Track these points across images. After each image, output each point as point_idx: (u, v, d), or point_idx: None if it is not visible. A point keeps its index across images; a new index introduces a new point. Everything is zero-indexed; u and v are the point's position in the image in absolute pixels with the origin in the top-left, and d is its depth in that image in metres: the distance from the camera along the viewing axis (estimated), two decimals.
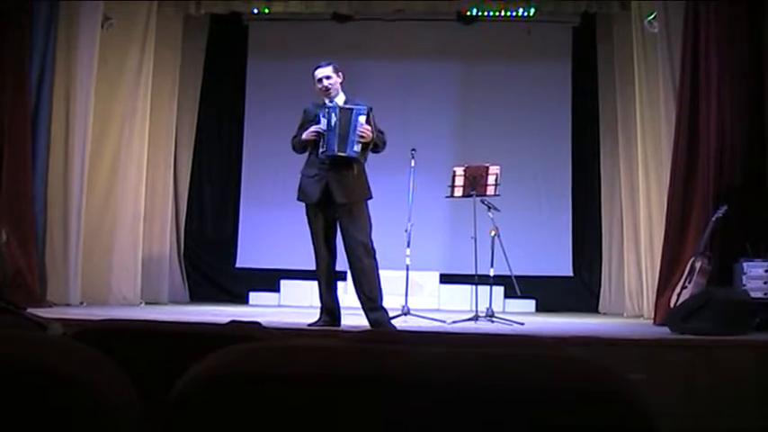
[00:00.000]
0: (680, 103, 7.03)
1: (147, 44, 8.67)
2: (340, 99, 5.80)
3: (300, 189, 5.78)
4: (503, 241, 7.15)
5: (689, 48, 6.97)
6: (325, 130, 5.62)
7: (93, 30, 7.92)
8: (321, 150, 5.63)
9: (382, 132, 5.80)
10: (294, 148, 5.87)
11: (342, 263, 5.89)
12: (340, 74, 5.84)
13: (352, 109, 5.66)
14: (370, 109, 5.68)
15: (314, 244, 5.76)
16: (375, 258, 5.70)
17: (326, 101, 5.78)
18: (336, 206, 5.66)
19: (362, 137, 5.59)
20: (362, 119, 5.61)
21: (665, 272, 6.92)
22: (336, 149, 5.59)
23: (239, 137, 10.52)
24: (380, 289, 5.71)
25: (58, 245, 7.68)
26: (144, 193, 8.81)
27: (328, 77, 5.78)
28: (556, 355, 0.94)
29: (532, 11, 9.18)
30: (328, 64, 5.84)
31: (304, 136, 5.71)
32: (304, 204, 5.78)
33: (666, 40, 7.48)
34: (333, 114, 5.62)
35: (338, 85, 5.82)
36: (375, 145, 5.74)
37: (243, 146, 10.49)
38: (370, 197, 5.78)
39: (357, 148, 5.60)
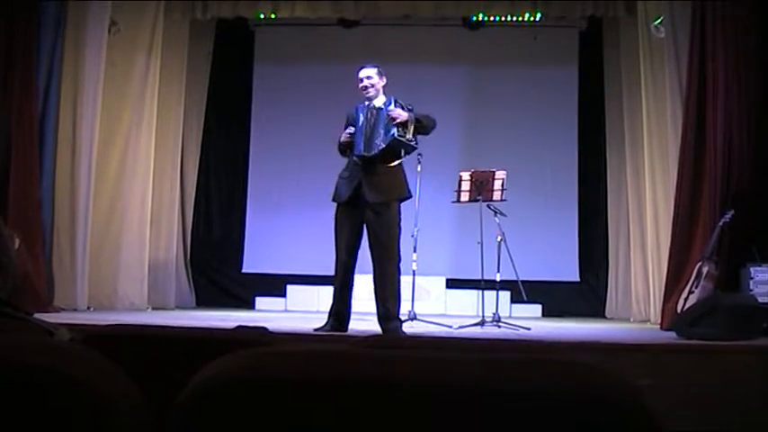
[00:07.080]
0: (687, 107, 7.01)
1: (154, 49, 8.68)
2: (379, 101, 5.81)
3: (335, 189, 5.81)
4: (509, 246, 7.14)
5: (696, 52, 6.95)
6: (354, 132, 5.69)
7: (100, 34, 7.96)
8: (354, 152, 5.70)
9: (428, 117, 5.79)
10: (340, 152, 5.92)
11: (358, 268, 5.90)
12: (383, 77, 5.88)
13: (380, 108, 5.69)
14: (396, 100, 5.70)
15: (336, 246, 5.75)
16: (398, 265, 5.68)
17: (366, 102, 5.81)
18: (366, 207, 5.65)
19: (393, 118, 5.58)
20: (391, 107, 5.63)
21: (672, 277, 6.90)
22: (362, 149, 5.64)
23: (246, 141, 10.50)
24: (399, 298, 5.69)
25: (65, 249, 7.71)
26: (151, 198, 8.80)
27: (369, 77, 5.83)
28: (561, 361, 0.94)
29: (539, 15, 9.16)
30: (373, 66, 5.90)
31: (341, 138, 5.78)
32: (335, 206, 5.81)
33: (673, 45, 7.46)
34: (361, 115, 5.71)
35: (379, 87, 5.85)
36: (419, 123, 5.71)
37: (249, 150, 10.47)
38: (408, 196, 5.82)
39: (392, 132, 5.56)
